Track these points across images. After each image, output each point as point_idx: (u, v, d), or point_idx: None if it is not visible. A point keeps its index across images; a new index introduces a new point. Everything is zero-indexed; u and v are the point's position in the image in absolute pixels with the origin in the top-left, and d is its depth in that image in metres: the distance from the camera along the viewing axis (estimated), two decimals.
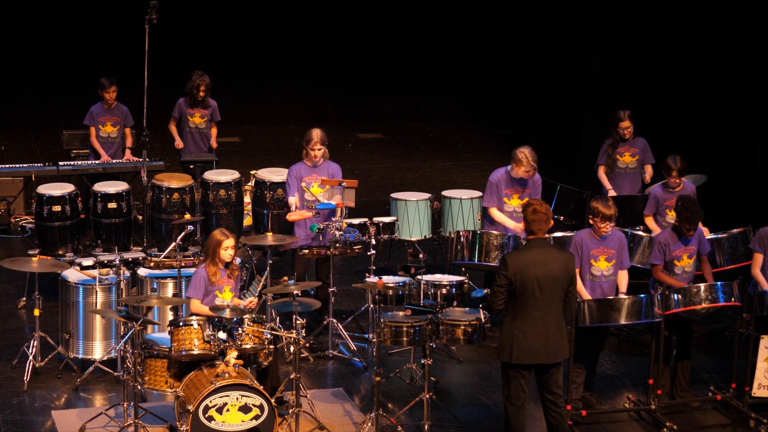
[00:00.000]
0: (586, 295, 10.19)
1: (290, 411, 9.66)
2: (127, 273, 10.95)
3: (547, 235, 9.12)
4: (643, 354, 11.24)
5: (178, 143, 13.88)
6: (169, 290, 11.03)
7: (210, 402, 9.21)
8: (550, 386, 9.09)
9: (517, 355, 8.92)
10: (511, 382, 9.05)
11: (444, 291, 10.48)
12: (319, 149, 11.57)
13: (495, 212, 11.73)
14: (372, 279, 10.85)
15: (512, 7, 19.63)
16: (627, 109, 13.01)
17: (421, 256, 12.62)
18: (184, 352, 9.52)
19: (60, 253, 12.46)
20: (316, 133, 11.61)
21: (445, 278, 10.64)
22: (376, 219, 11.94)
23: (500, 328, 9.14)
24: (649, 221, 11.80)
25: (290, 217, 11.55)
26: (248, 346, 9.57)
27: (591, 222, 10.26)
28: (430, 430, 9.91)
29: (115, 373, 10.56)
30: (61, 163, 13.95)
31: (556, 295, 8.95)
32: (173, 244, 10.86)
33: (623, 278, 10.42)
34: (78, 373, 10.69)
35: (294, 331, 9.63)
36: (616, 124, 12.78)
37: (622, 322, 10.09)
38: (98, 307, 10.71)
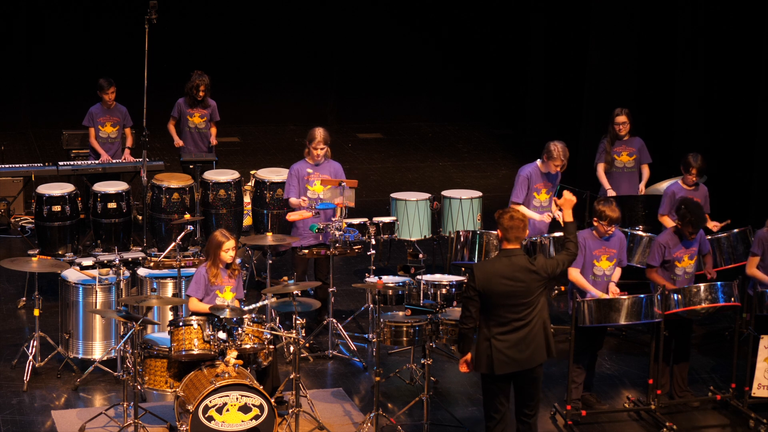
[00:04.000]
0: (597, 292, 10.18)
1: (290, 411, 9.66)
2: (127, 273, 10.95)
3: (519, 245, 8.73)
4: (643, 354, 11.24)
5: (178, 142, 13.89)
6: (169, 290, 11.03)
7: (210, 402, 9.21)
8: (524, 398, 8.84)
9: (496, 365, 8.66)
10: (490, 394, 8.83)
11: (444, 291, 10.48)
12: (322, 148, 11.58)
13: (522, 208, 11.60)
14: (372, 279, 10.85)
15: (511, 7, 19.63)
16: (628, 108, 13.03)
17: (420, 256, 12.63)
18: (183, 352, 9.52)
19: (60, 253, 12.46)
20: (320, 132, 11.60)
21: (445, 278, 10.64)
22: (375, 219, 11.94)
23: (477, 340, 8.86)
24: (666, 220, 11.72)
25: (290, 217, 11.55)
26: (248, 346, 9.57)
27: (595, 224, 10.25)
28: (430, 430, 9.91)
29: (115, 373, 10.56)
30: (60, 163, 13.95)
31: (532, 299, 8.64)
32: (173, 244, 10.86)
33: (616, 273, 10.43)
34: (78, 373, 10.69)
35: (294, 331, 9.63)
36: (612, 119, 12.81)
37: (622, 322, 10.09)
38: (98, 307, 10.71)
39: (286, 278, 10.70)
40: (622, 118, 12.77)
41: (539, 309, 8.70)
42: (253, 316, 9.67)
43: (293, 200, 11.57)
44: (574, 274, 10.21)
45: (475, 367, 8.81)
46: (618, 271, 10.45)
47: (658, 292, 10.10)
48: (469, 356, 8.85)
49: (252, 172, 13.77)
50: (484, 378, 8.83)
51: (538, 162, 11.72)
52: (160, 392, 9.89)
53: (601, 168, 12.94)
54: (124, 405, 9.63)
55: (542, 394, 9.19)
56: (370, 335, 11.61)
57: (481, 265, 8.89)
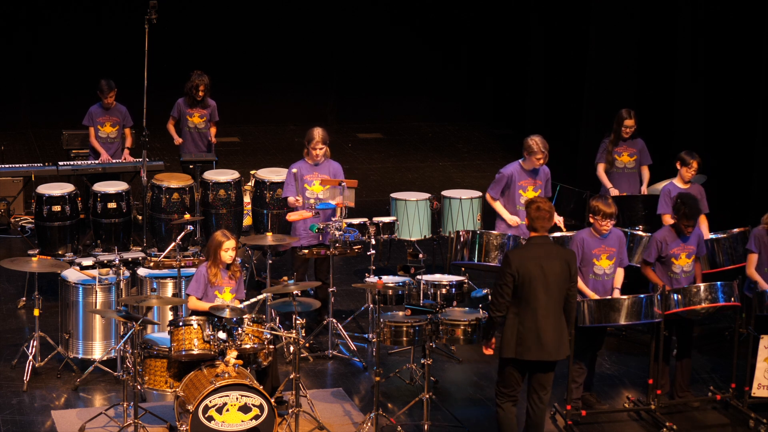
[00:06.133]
0: (590, 293, 10.19)
1: (290, 411, 9.66)
2: (127, 273, 10.95)
3: (548, 234, 9.19)
4: (643, 354, 11.24)
5: (177, 140, 13.89)
6: (169, 290, 11.03)
7: (210, 402, 9.21)
8: (542, 381, 9.15)
9: (521, 351, 8.97)
10: (508, 377, 9.11)
11: (444, 291, 10.48)
12: (321, 148, 11.58)
13: (497, 205, 11.71)
14: (372, 279, 10.85)
15: (511, 7, 19.64)
16: (631, 109, 13.03)
17: (420, 256, 12.63)
18: (183, 352, 9.52)
19: (60, 253, 12.46)
20: (318, 133, 11.60)
21: (444, 278, 10.64)
22: (375, 219, 11.94)
23: (503, 325, 9.13)
24: (668, 219, 11.72)
25: (290, 217, 11.55)
26: (248, 346, 9.57)
27: (591, 221, 10.27)
28: (430, 430, 9.91)
29: (115, 373, 10.56)
30: (60, 163, 13.95)
31: (558, 292, 9.00)
32: (173, 244, 10.86)
33: (619, 275, 10.44)
34: (78, 373, 10.69)
35: (294, 331, 9.63)
36: (620, 122, 12.79)
37: (622, 322, 10.09)
38: (98, 307, 10.71)
39: (286, 278, 10.71)
40: (631, 122, 12.76)
41: (561, 303, 9.04)
42: (253, 315, 9.67)
43: (290, 199, 11.57)
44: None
45: (501, 351, 9.07)
46: (621, 273, 10.45)
47: (658, 292, 10.10)
48: (492, 340, 9.19)
49: (252, 172, 13.76)
50: (506, 361, 9.10)
51: (520, 161, 11.71)
52: (160, 392, 9.89)
53: (601, 168, 12.94)
54: (124, 405, 9.62)
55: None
56: (370, 335, 11.61)
57: (514, 251, 9.28)
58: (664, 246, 10.40)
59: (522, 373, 9.13)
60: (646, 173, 12.93)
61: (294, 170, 11.56)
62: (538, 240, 9.10)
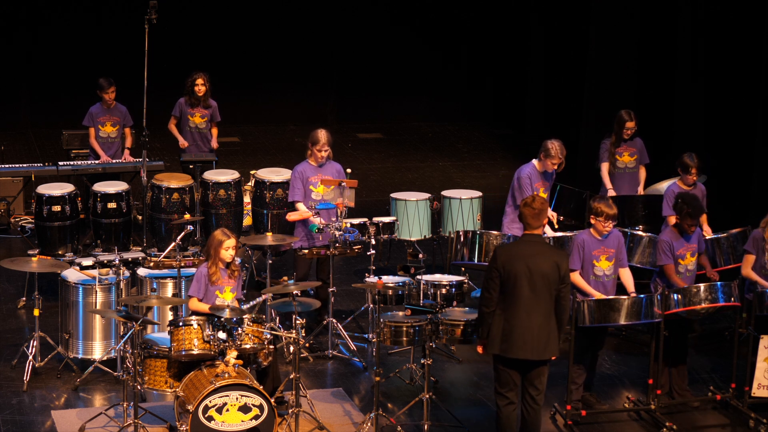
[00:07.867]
0: (595, 293, 10.18)
1: (290, 411, 9.66)
2: (127, 273, 10.95)
3: (541, 231, 9.15)
4: (643, 354, 11.24)
5: (183, 143, 13.86)
6: (169, 290, 11.03)
7: (210, 402, 9.21)
8: (533, 380, 9.12)
9: (505, 347, 8.98)
10: (501, 374, 9.13)
11: (444, 291, 10.48)
12: (326, 150, 11.61)
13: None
14: (372, 279, 10.85)
15: (511, 7, 19.64)
16: (627, 108, 13.03)
17: (420, 256, 12.64)
18: (183, 352, 9.52)
19: (60, 253, 12.47)
20: (324, 135, 11.62)
21: (444, 278, 10.64)
22: (375, 219, 11.94)
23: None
24: (673, 220, 11.74)
25: (290, 217, 11.55)
26: (248, 346, 9.57)
27: (592, 222, 10.26)
28: (430, 430, 9.91)
29: (115, 373, 10.56)
30: (60, 163, 13.95)
31: (545, 291, 8.96)
32: (173, 244, 10.86)
33: (628, 277, 10.43)
34: (78, 373, 10.69)
35: (294, 331, 9.63)
36: (621, 124, 12.79)
37: (622, 322, 10.09)
38: (98, 307, 10.71)
39: (286, 278, 10.71)
40: (632, 124, 12.79)
41: (550, 303, 8.98)
42: (253, 315, 9.67)
43: (301, 207, 11.53)
44: (575, 276, 10.21)
45: (488, 347, 9.09)
46: (628, 274, 10.43)
47: (658, 292, 10.10)
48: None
49: (252, 172, 13.76)
50: (495, 358, 9.12)
51: (535, 161, 11.71)
52: (160, 392, 9.89)
53: (605, 168, 12.94)
54: (124, 405, 9.63)
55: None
56: (370, 335, 11.61)
57: (502, 247, 9.24)
58: (671, 247, 10.41)
59: (515, 372, 9.09)
60: (642, 173, 12.95)
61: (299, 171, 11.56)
62: (529, 238, 9.10)
